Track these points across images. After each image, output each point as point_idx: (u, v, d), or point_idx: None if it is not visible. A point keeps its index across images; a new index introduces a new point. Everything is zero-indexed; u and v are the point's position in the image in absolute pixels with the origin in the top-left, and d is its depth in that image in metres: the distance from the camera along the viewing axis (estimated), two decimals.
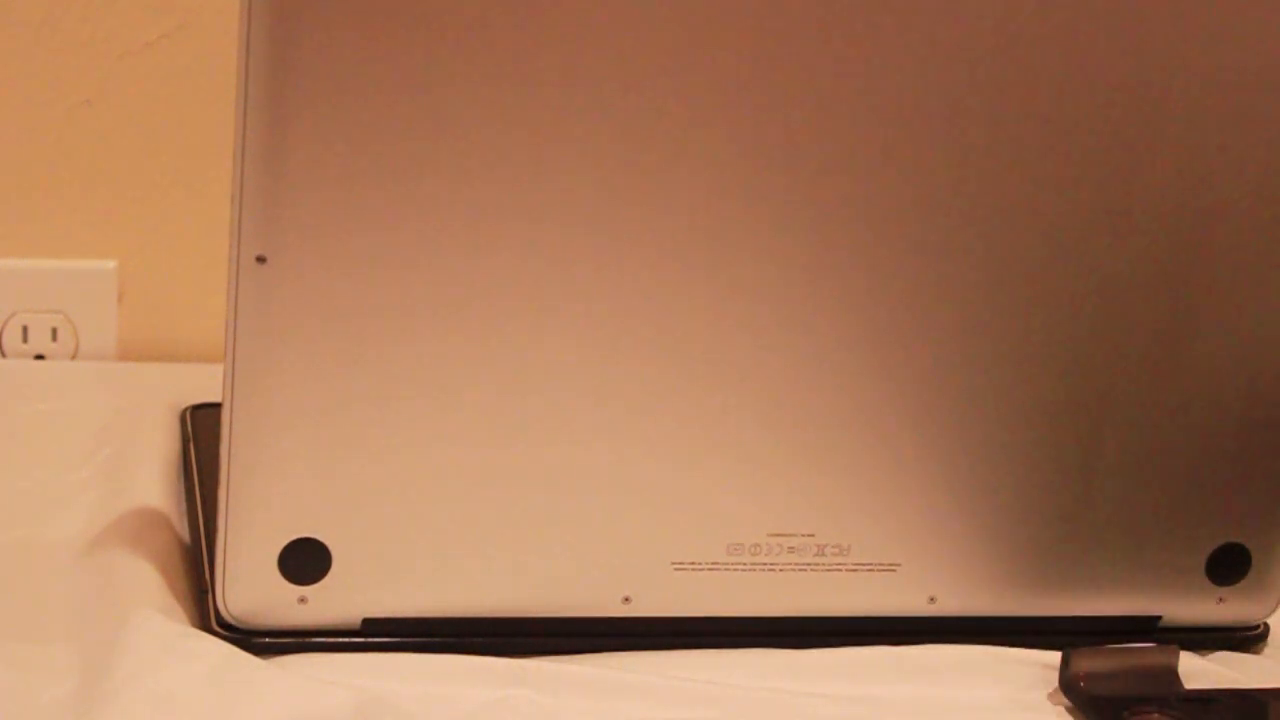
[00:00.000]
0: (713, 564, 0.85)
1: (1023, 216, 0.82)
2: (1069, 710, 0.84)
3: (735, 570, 0.85)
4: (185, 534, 0.92)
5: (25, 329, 1.18)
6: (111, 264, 1.19)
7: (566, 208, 0.79)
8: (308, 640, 0.83)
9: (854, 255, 0.82)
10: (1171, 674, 0.85)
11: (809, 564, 0.86)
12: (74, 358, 1.19)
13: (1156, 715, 0.83)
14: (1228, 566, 0.90)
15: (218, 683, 0.78)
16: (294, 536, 0.81)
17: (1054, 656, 0.86)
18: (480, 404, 0.81)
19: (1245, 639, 0.92)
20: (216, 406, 0.81)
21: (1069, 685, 0.84)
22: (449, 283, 0.79)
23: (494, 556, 0.83)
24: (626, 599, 0.85)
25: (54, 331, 1.19)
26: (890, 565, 0.87)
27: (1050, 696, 0.85)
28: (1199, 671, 0.88)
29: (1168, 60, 0.81)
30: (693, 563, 0.85)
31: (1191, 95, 0.82)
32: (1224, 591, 0.90)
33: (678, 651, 0.85)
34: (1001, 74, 0.80)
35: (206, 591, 0.83)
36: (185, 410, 1.05)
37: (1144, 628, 0.90)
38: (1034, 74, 0.80)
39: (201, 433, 1.01)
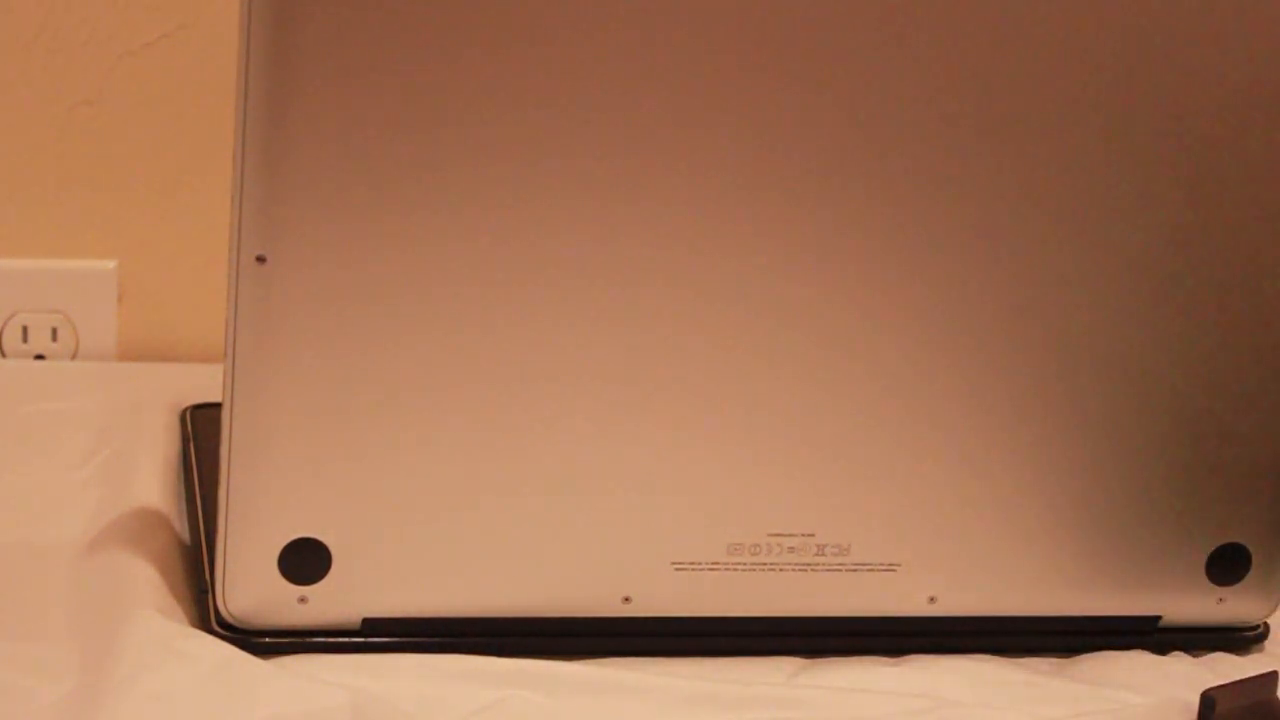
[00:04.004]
0: (713, 564, 0.85)
1: (1022, 218, 0.82)
2: None
3: (735, 570, 0.85)
4: (185, 534, 0.92)
5: (25, 329, 1.18)
6: (111, 264, 1.19)
7: (566, 208, 0.79)
8: (308, 640, 0.83)
9: (854, 257, 0.82)
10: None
11: (809, 564, 0.86)
12: (74, 358, 1.19)
13: None
14: (1228, 566, 0.90)
15: (217, 683, 0.78)
16: (294, 536, 0.81)
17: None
18: (480, 404, 0.81)
19: (1245, 639, 0.92)
20: (216, 406, 0.81)
21: None
22: (449, 283, 0.79)
23: (494, 556, 0.83)
24: (626, 599, 0.85)
25: (54, 331, 1.19)
26: (890, 565, 0.87)
27: None
28: (1198, 673, 0.88)
29: (1167, 62, 0.81)
30: (693, 563, 0.85)
31: (1194, 98, 0.82)
32: (1224, 591, 0.90)
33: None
34: (1004, 71, 0.80)
35: (206, 591, 0.83)
36: (185, 410, 1.05)
37: (1144, 628, 0.90)
38: (1035, 74, 0.80)
39: (201, 433, 1.01)
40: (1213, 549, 0.90)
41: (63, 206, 1.18)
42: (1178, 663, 0.90)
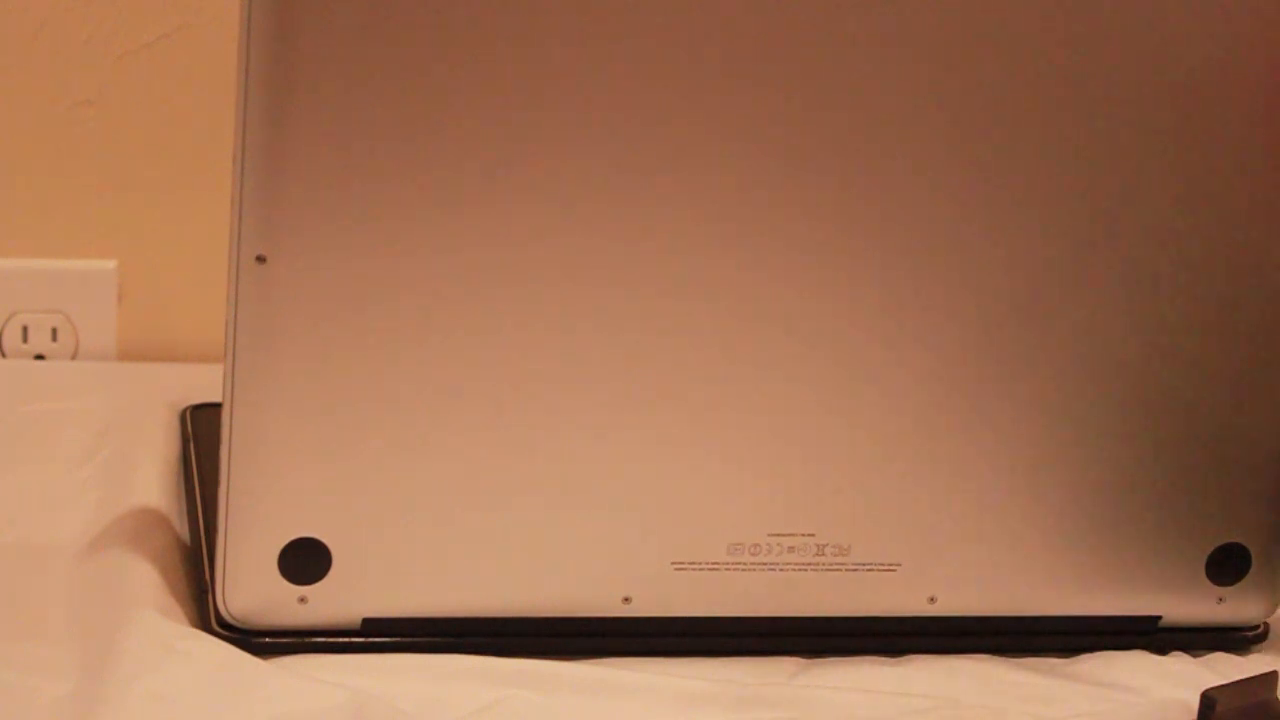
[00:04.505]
0: (713, 564, 0.85)
1: (1022, 220, 0.82)
2: None
3: (735, 570, 0.85)
4: (185, 534, 0.92)
5: (25, 329, 1.18)
6: (111, 264, 1.19)
7: (567, 209, 0.79)
8: (308, 640, 0.83)
9: (854, 257, 0.82)
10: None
11: (809, 564, 0.86)
12: (74, 358, 1.19)
13: None
14: (1228, 566, 0.90)
15: (217, 683, 0.78)
16: (294, 536, 0.81)
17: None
18: (480, 404, 0.81)
19: (1245, 639, 0.92)
20: (216, 406, 0.81)
21: None
22: (449, 283, 0.79)
23: (494, 556, 0.83)
24: (626, 599, 0.85)
25: (54, 331, 1.19)
26: (890, 565, 0.87)
27: None
28: (1198, 673, 0.88)
29: (1165, 61, 0.81)
30: (693, 563, 0.85)
31: (1194, 98, 0.82)
32: (1224, 591, 0.90)
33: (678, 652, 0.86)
34: (1000, 74, 0.80)
35: (206, 591, 0.83)
36: (185, 410, 1.05)
37: (1144, 628, 0.90)
38: (1032, 75, 0.80)
39: (201, 433, 1.01)
40: (1213, 549, 0.90)
41: (63, 206, 1.18)
42: (1178, 663, 0.90)
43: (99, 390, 1.12)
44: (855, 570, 0.86)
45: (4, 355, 1.18)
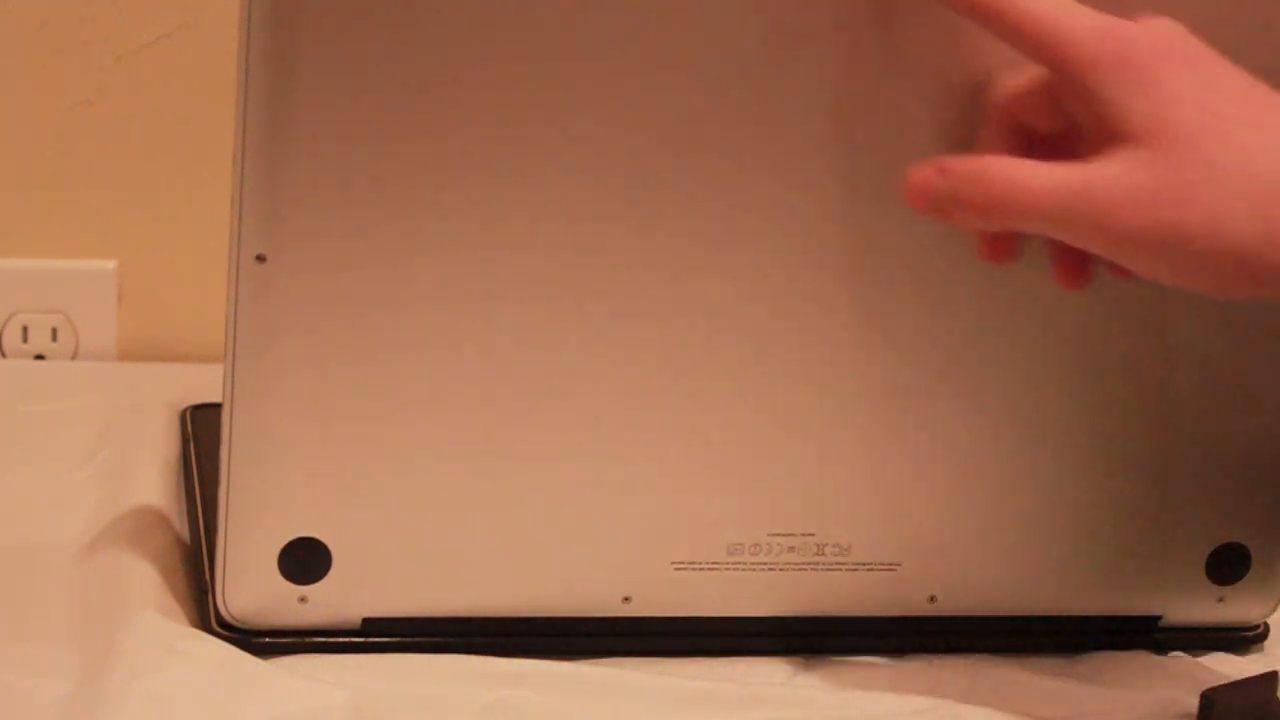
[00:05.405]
0: (713, 564, 0.85)
1: None
2: None
3: (735, 570, 0.85)
4: (185, 534, 0.92)
5: (25, 329, 1.18)
6: (111, 264, 1.19)
7: (567, 209, 0.79)
8: (308, 640, 0.83)
9: (854, 256, 0.82)
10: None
11: (809, 564, 0.86)
12: (74, 358, 1.19)
13: None
14: (1228, 566, 0.90)
15: (217, 683, 0.78)
16: (294, 536, 0.81)
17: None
18: (481, 404, 0.81)
19: (1245, 639, 0.92)
20: (216, 406, 0.81)
21: None
22: (449, 283, 0.79)
23: (494, 556, 0.83)
24: (626, 599, 0.85)
25: (54, 331, 1.19)
26: (890, 565, 0.87)
27: None
28: (1198, 673, 0.88)
29: None
30: (693, 563, 0.85)
31: None
32: (1224, 591, 0.90)
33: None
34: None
35: (206, 591, 0.83)
36: (185, 410, 1.05)
37: (1144, 628, 0.90)
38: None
39: (201, 433, 1.01)
40: (1213, 549, 0.90)
41: (63, 206, 1.18)
42: (1178, 663, 0.90)
43: (99, 390, 1.12)
44: (855, 570, 0.86)
45: (4, 355, 1.18)
